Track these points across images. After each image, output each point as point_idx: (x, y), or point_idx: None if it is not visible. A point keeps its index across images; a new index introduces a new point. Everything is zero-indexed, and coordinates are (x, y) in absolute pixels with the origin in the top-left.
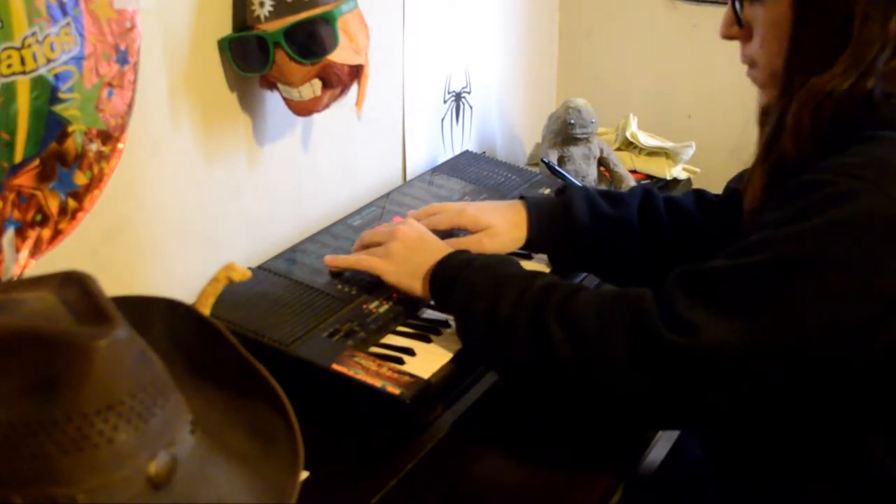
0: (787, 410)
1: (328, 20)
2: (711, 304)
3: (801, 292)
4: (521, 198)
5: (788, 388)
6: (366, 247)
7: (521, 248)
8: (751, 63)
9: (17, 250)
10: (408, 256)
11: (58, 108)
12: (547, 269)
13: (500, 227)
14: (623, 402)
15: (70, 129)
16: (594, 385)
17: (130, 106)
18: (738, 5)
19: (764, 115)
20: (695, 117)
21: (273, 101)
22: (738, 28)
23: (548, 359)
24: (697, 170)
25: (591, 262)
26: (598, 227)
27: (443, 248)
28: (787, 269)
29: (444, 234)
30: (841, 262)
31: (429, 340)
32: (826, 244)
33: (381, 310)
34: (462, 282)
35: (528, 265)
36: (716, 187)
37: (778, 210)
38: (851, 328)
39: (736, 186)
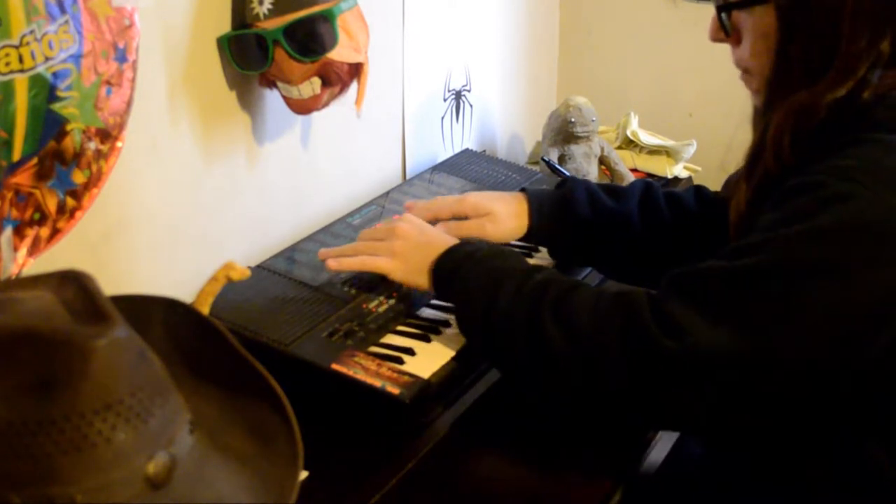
0: (780, 414)
1: (328, 18)
2: (703, 308)
3: (793, 296)
4: (523, 189)
5: (780, 392)
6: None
7: (522, 240)
8: (744, 70)
9: (16, 249)
10: (412, 252)
11: (56, 107)
12: (548, 264)
13: (502, 214)
14: (615, 402)
15: (68, 127)
16: (586, 383)
17: (129, 104)
18: (723, 15)
19: (757, 117)
20: (696, 115)
21: (272, 100)
22: (726, 35)
23: (542, 355)
24: (699, 168)
25: (591, 254)
26: (598, 219)
27: (445, 241)
28: (778, 272)
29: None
30: (833, 266)
31: (429, 340)
32: (818, 248)
33: (381, 309)
34: (462, 275)
35: (530, 262)
36: (717, 186)
37: (773, 212)
38: (844, 332)
39: (724, 195)
